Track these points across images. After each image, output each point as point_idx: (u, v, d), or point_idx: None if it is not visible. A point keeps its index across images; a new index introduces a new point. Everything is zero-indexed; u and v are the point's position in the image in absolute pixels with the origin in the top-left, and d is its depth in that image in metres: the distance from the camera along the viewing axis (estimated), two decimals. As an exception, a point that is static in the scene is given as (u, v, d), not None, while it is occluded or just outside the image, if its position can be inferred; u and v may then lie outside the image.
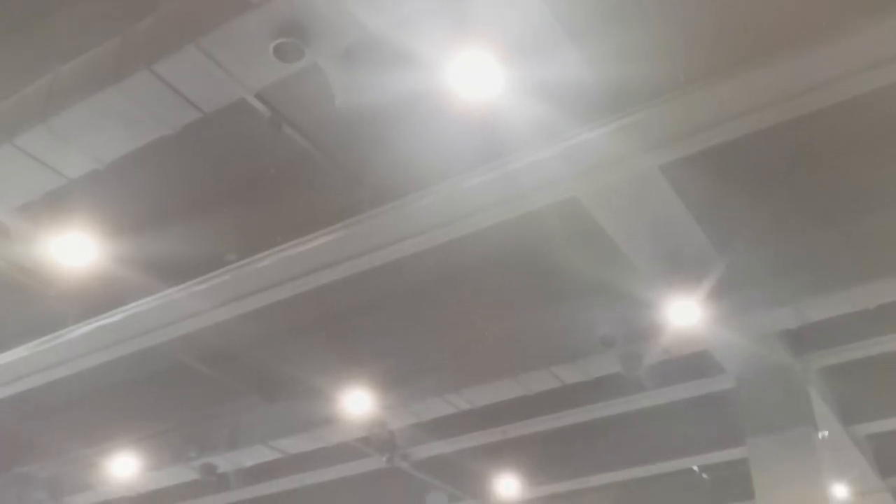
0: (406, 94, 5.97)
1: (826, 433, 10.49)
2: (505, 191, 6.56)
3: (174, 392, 10.68)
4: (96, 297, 8.02)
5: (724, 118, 5.88)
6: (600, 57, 5.81)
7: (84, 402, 10.79)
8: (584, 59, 5.77)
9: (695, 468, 13.25)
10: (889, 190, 7.64)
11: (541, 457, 13.01)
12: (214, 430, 10.86)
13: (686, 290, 7.94)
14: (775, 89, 5.65)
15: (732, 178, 7.57)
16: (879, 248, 7.89)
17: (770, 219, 8.03)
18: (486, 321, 9.43)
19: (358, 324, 9.75)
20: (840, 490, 11.64)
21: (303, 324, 9.69)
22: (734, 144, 6.41)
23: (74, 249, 7.04)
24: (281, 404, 10.45)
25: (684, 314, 8.09)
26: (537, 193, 6.61)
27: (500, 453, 12.74)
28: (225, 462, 11.07)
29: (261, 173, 7.54)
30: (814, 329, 9.08)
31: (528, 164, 6.26)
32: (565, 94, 5.88)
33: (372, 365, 9.88)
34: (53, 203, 6.83)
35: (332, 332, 9.85)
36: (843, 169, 7.59)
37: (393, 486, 13.89)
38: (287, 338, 9.81)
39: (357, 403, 9.78)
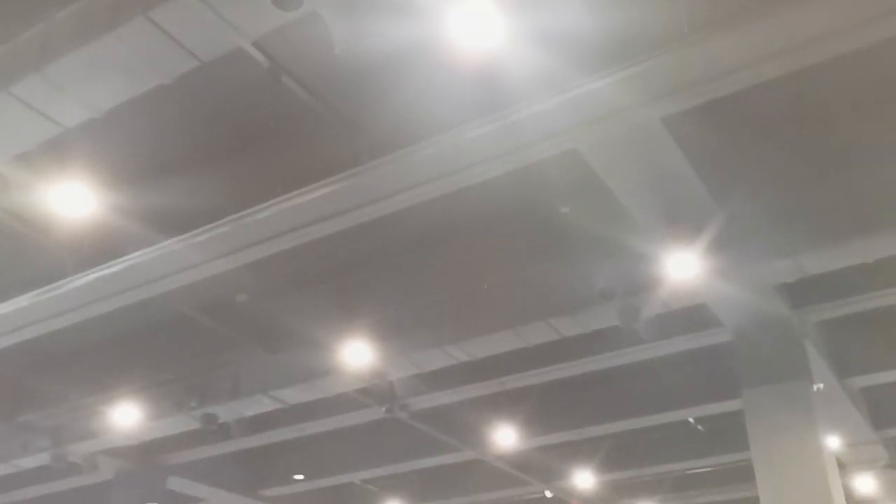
0: (406, 44, 5.90)
1: (821, 386, 10.59)
2: (506, 142, 6.52)
3: (175, 343, 10.75)
4: (95, 248, 8.02)
5: (726, 70, 5.82)
6: (603, 6, 5.73)
7: (86, 352, 10.87)
8: (587, 9, 5.69)
9: (690, 420, 13.43)
10: (889, 144, 7.60)
11: (538, 408, 13.15)
12: (215, 381, 10.96)
13: (685, 243, 7.95)
14: (777, 41, 5.58)
15: (733, 131, 7.53)
16: (879, 202, 7.88)
17: (770, 172, 8.00)
18: (485, 274, 9.45)
19: (358, 275, 9.78)
20: (833, 441, 11.79)
21: (303, 275, 9.72)
22: (735, 97, 6.36)
23: (73, 199, 7.02)
24: (281, 355, 10.52)
25: (683, 267, 8.11)
26: (538, 145, 6.57)
27: (498, 405, 12.88)
28: (226, 412, 11.19)
29: (260, 124, 7.48)
30: (811, 283, 9.11)
31: (529, 115, 6.21)
32: (567, 44, 5.81)
33: (371, 316, 9.93)
34: (51, 152, 6.79)
35: (331, 283, 9.88)
36: (843, 122, 7.55)
37: (392, 437, 14.08)
38: (287, 289, 9.85)
39: (356, 354, 9.85)
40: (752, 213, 8.12)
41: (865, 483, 14.03)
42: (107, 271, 8.08)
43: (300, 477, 15.31)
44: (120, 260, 8.01)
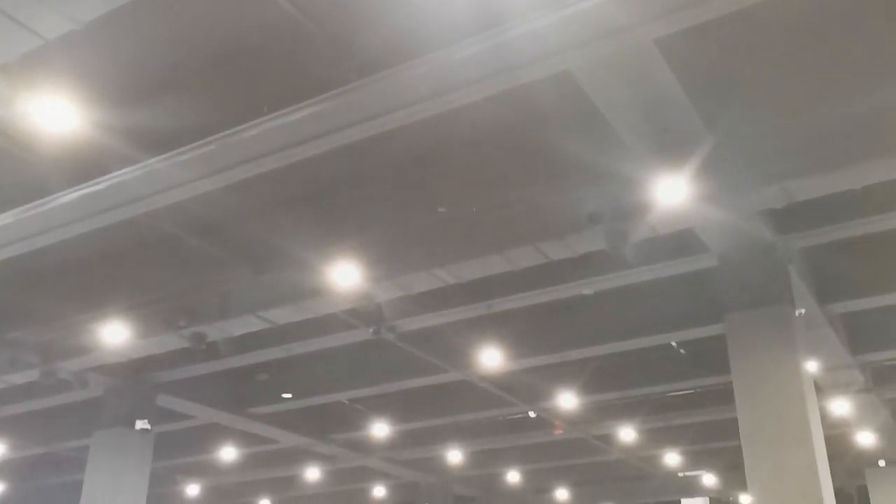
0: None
1: (803, 311, 10.77)
2: (497, 62, 6.41)
3: (163, 262, 10.74)
4: (80, 165, 7.92)
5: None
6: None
7: (73, 270, 10.86)
8: (583, -77, 5.53)
9: (673, 344, 13.65)
10: (881, 71, 7.53)
11: (524, 331, 13.33)
12: (204, 300, 11.00)
13: (674, 167, 7.93)
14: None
15: (725, 54, 7.43)
16: (869, 129, 7.85)
17: (761, 97, 7.93)
18: (473, 196, 9.42)
19: (346, 197, 9.72)
20: (812, 365, 12.04)
21: (290, 196, 9.66)
22: (729, 18, 6.27)
23: (56, 114, 6.90)
24: (269, 276, 10.54)
25: (672, 192, 8.11)
26: (530, 66, 6.47)
27: (484, 327, 13.03)
28: (214, 331, 11.27)
29: (247, 40, 7.31)
30: (798, 209, 9.14)
31: (521, 33, 6.09)
32: (561, -40, 5.67)
33: (359, 238, 9.92)
34: (32, 65, 6.64)
35: (319, 204, 9.84)
36: (837, 48, 7.46)
37: (379, 358, 14.27)
38: (274, 210, 9.80)
39: (344, 276, 9.88)
40: (742, 139, 8.09)
41: (840, 406, 14.41)
42: (91, 189, 8.01)
43: (288, 396, 15.55)
44: (104, 178, 7.93)
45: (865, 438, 16.56)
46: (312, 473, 20.91)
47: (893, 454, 18.30)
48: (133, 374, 13.82)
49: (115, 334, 11.18)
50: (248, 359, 13.64)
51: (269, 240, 10.04)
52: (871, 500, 18.94)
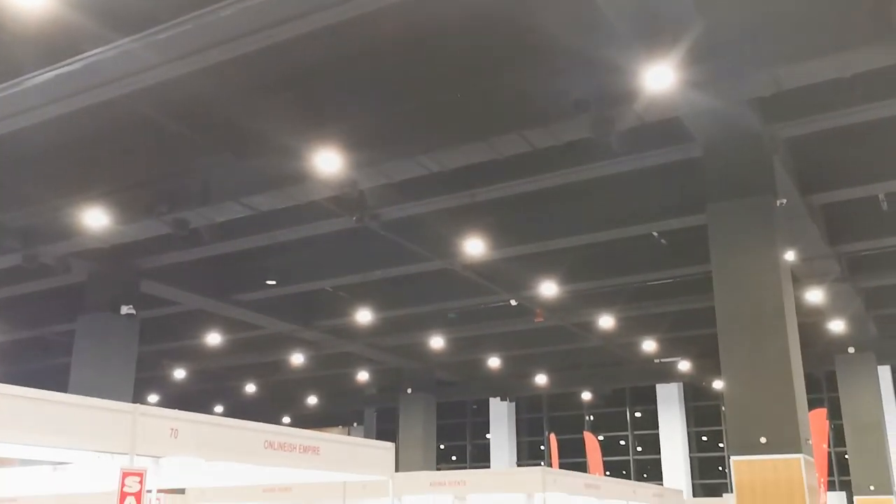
0: None
1: (784, 201, 10.84)
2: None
3: (143, 147, 10.57)
4: (52, 44, 7.67)
5: None
6: None
7: (52, 153, 10.67)
8: None
9: (654, 234, 13.78)
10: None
11: (507, 220, 13.39)
12: (185, 186, 10.91)
13: (663, 53, 7.79)
14: None
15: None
16: (858, 16, 7.71)
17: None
18: (458, 82, 9.26)
19: (328, 81, 9.52)
20: (790, 255, 12.23)
21: (271, 80, 9.43)
22: None
23: (24, -11, 6.62)
24: (251, 161, 10.43)
25: (659, 78, 8.00)
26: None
27: (468, 216, 13.07)
28: (197, 217, 11.23)
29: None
30: (785, 98, 9.07)
31: None
32: None
33: (341, 124, 9.78)
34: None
35: (301, 89, 9.63)
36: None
37: (363, 246, 14.34)
38: (255, 94, 9.59)
39: (327, 162, 9.79)
40: (732, 24, 7.92)
41: (815, 295, 14.75)
42: (65, 69, 7.78)
43: (272, 283, 15.68)
44: (77, 58, 7.69)
45: (837, 326, 17.04)
46: (297, 359, 21.36)
47: (862, 342, 18.89)
48: (116, 259, 13.83)
49: (95, 219, 11.12)
50: (232, 246, 13.67)
51: (251, 125, 9.87)
52: (839, 386, 19.67)
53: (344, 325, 18.58)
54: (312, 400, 27.28)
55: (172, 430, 4.55)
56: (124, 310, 13.92)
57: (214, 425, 4.91)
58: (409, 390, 23.89)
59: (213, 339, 19.15)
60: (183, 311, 17.44)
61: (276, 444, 5.19)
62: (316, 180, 10.26)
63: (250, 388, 25.64)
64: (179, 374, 23.14)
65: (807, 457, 11.04)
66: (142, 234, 12.07)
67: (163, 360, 21.97)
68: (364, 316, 17.44)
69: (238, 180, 10.73)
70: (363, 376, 24.50)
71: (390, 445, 6.43)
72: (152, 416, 4.52)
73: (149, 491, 6.96)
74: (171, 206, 10.77)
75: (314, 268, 15.37)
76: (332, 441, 5.85)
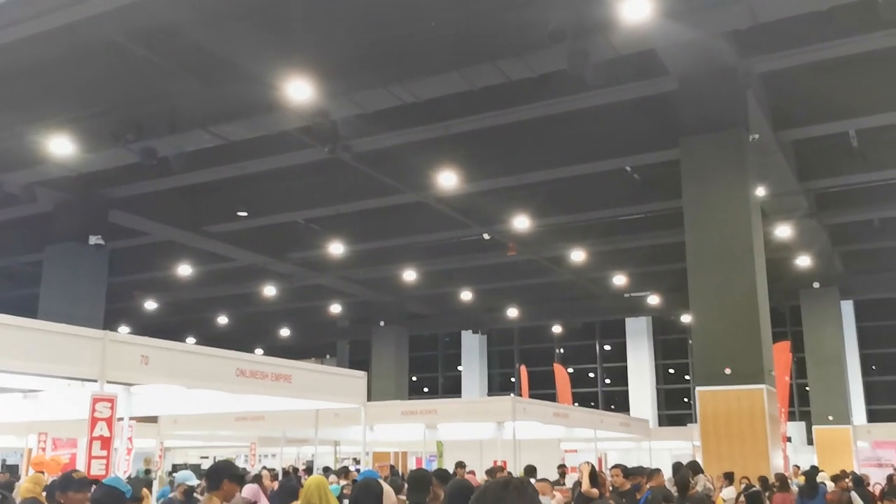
0: None
1: (756, 136, 10.88)
2: None
3: (108, 72, 10.26)
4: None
5: None
6: None
7: (14, 78, 10.34)
8: None
9: (627, 168, 13.78)
10: None
11: (481, 153, 13.29)
12: (152, 113, 10.66)
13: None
14: None
15: None
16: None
17: None
18: (431, 10, 9.06)
19: (299, 7, 9.27)
20: (760, 191, 12.34)
21: (238, 5, 9.16)
22: None
23: None
24: (220, 89, 10.21)
25: (635, 9, 7.90)
26: None
27: (441, 148, 12.95)
28: (165, 146, 11.03)
29: None
30: (761, 31, 9.00)
31: None
32: None
33: (312, 51, 9.57)
34: None
35: (270, 15, 9.37)
36: None
37: (335, 178, 14.21)
38: (224, 19, 9.31)
39: (298, 91, 9.61)
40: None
41: (783, 231, 14.93)
42: (24, -11, 7.50)
43: (244, 214, 15.55)
44: (39, -23, 7.41)
45: (803, 262, 17.32)
46: (269, 291, 21.34)
47: (827, 277, 19.26)
48: (84, 189, 13.61)
49: (61, 147, 10.89)
50: (202, 176, 13.48)
51: (219, 51, 9.63)
52: (803, 320, 20.11)
53: (316, 257, 18.54)
54: (285, 332, 27.39)
55: (143, 357, 4.54)
56: (93, 240, 13.77)
57: (185, 352, 4.91)
58: (382, 323, 24.04)
59: (185, 270, 19.04)
60: (153, 242, 17.28)
61: (248, 371, 5.21)
62: (287, 110, 10.09)
63: (223, 320, 25.65)
64: (151, 305, 23.05)
65: (769, 387, 11.33)
66: (109, 163, 11.86)
67: (134, 292, 21.86)
68: (336, 249, 17.40)
69: (206, 108, 10.52)
70: (336, 309, 24.59)
71: (362, 374, 6.49)
72: (122, 342, 4.51)
73: (121, 419, 6.99)
74: (139, 134, 10.55)
75: (286, 200, 15.24)
76: (304, 369, 5.88)
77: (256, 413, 9.48)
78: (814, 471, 11.44)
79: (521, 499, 1.65)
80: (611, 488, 8.19)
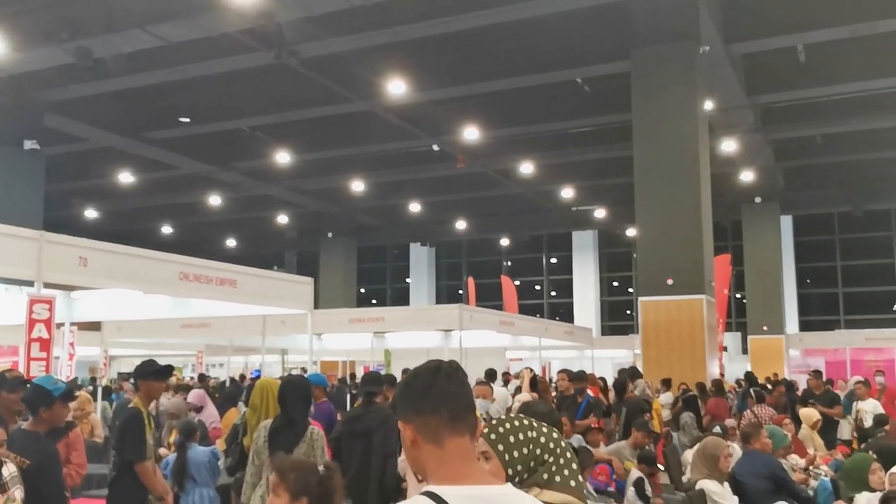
0: None
1: (707, 48, 10.86)
2: None
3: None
4: None
5: None
6: None
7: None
8: None
9: (578, 80, 13.68)
10: None
11: (431, 61, 13.02)
12: (87, 11, 10.15)
13: None
14: None
15: None
16: None
17: None
18: None
19: None
20: (708, 104, 12.40)
21: None
22: None
23: None
24: (158, -14, 9.75)
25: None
26: None
27: (390, 55, 12.64)
28: (101, 46, 10.57)
29: None
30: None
31: None
32: None
33: (257, -52, 9.17)
34: None
35: None
36: None
37: (282, 84, 13.81)
38: None
39: (242, -11, 9.24)
40: None
41: (729, 145, 15.10)
42: None
43: (186, 120, 15.11)
44: None
45: (747, 177, 17.61)
46: (214, 201, 20.98)
47: (769, 192, 19.67)
48: (16, 91, 13.00)
49: (-10, 45, 10.34)
50: (142, 80, 13.00)
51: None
52: (744, 234, 20.60)
53: (263, 167, 18.21)
54: (231, 243, 27.11)
55: (81, 258, 4.42)
56: (28, 144, 13.27)
57: (126, 255, 4.79)
58: (330, 234, 23.94)
59: (126, 178, 18.57)
60: (92, 149, 16.74)
61: (191, 275, 5.14)
62: (229, 10, 9.71)
63: (167, 230, 25.23)
64: (91, 214, 22.53)
65: (709, 298, 11.66)
66: (43, 64, 11.34)
67: (73, 200, 21.30)
68: (283, 158, 17.10)
69: (144, 6, 10.07)
70: (283, 220, 24.36)
71: (309, 280, 6.46)
72: (60, 243, 4.38)
73: (61, 324, 6.90)
74: (73, 33, 10.07)
75: (230, 106, 14.82)
76: (249, 274, 5.82)
77: (202, 320, 9.42)
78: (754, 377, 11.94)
79: (451, 384, 1.64)
80: (554, 393, 8.42)
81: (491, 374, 9.57)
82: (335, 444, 5.45)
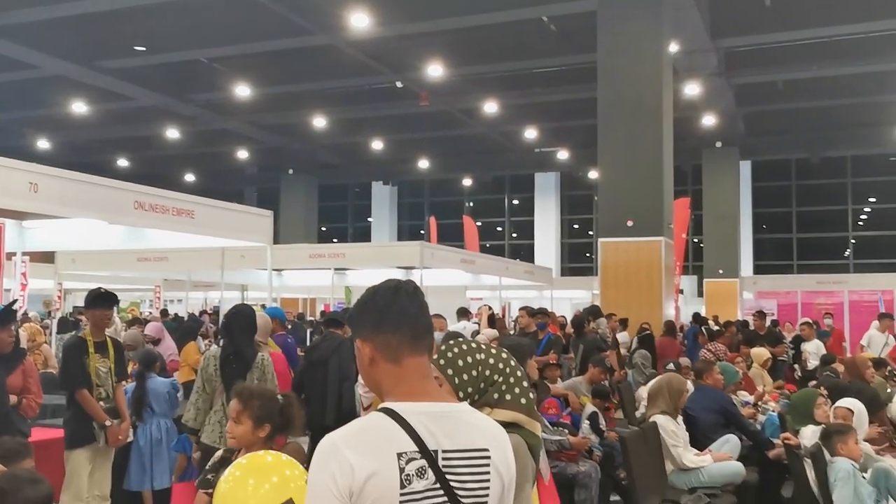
0: None
1: (673, -11, 10.77)
2: None
3: None
4: None
5: None
6: None
7: None
8: None
9: (544, 18, 13.50)
10: None
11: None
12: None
13: None
14: None
15: None
16: None
17: None
18: None
19: None
20: (673, 47, 12.36)
21: None
22: None
23: None
24: None
25: None
26: None
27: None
28: (52, -32, 10.12)
29: None
30: None
31: None
32: None
33: None
34: None
35: None
36: None
37: (242, 14, 13.42)
38: None
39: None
40: None
41: (692, 89, 15.12)
42: None
43: (142, 49, 14.65)
44: None
45: (708, 121, 17.70)
46: (172, 134, 20.53)
47: (730, 137, 19.81)
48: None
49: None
50: (95, 5, 12.52)
51: None
52: (703, 178, 20.80)
53: (222, 100, 17.82)
54: (190, 178, 26.63)
55: (31, 184, 4.29)
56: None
57: (79, 182, 4.67)
58: (291, 171, 23.65)
59: (79, 108, 18.04)
60: (43, 77, 16.15)
61: (146, 204, 5.03)
62: (187, -68, 9.34)
63: (123, 163, 24.69)
64: (44, 145, 21.93)
65: (668, 240, 11.80)
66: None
67: (24, 130, 20.69)
68: (243, 91, 16.74)
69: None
70: (243, 155, 23.97)
71: (269, 213, 6.38)
72: (8, 167, 4.24)
73: (12, 254, 6.73)
74: (21, -47, 9.62)
75: (188, 36, 14.37)
76: (207, 205, 5.72)
77: (159, 252, 9.28)
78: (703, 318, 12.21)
79: (412, 303, 1.63)
80: (513, 330, 8.51)
81: (464, 312, 9.68)
82: (297, 377, 5.49)
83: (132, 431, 4.81)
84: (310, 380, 5.20)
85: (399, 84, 16.52)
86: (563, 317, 10.58)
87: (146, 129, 20.49)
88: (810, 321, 11.41)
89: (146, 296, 18.01)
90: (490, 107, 17.79)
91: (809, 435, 4.66)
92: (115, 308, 4.86)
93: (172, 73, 16.46)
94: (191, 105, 18.12)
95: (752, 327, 11.69)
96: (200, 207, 5.56)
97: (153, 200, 5.10)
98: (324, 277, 12.44)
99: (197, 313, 13.47)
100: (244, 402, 2.78)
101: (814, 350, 9.79)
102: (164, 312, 13.01)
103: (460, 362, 2.00)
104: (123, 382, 4.67)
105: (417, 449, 1.50)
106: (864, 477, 4.07)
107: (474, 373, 2.00)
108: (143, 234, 6.03)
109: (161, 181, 26.38)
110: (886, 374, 7.10)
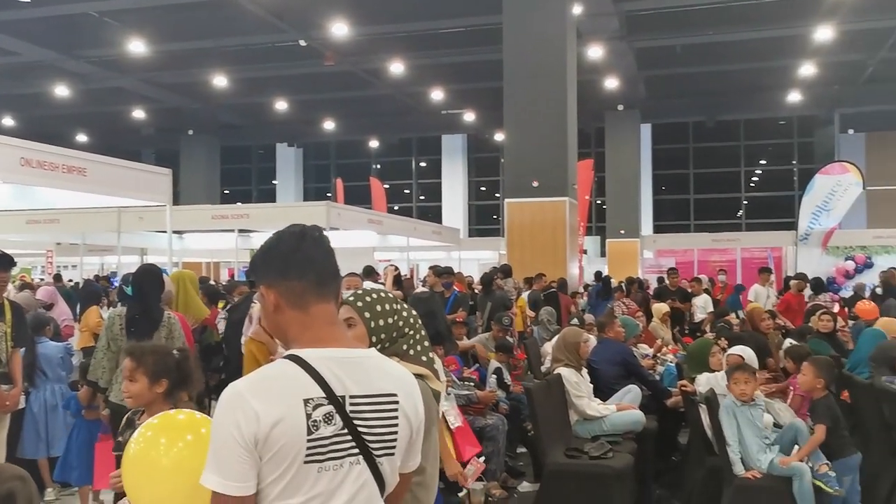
0: None
1: (578, -50, 10.84)
2: None
3: None
4: None
5: None
6: None
7: None
8: None
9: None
10: None
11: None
12: None
13: None
14: None
15: None
16: None
17: None
18: None
19: None
20: (577, 9, 12.47)
21: None
22: None
23: None
24: None
25: None
26: None
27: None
28: None
29: None
30: None
31: None
32: None
33: None
34: None
35: None
36: None
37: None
38: None
39: None
40: None
41: (595, 52, 15.33)
42: None
43: (26, 0, 13.81)
44: None
45: (611, 84, 18.01)
46: (61, 91, 19.49)
47: (631, 100, 20.25)
48: None
49: None
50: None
51: None
52: (606, 141, 21.23)
53: (115, 56, 17.02)
54: (82, 138, 25.42)
55: None
56: None
57: (-42, 136, 4.37)
58: (191, 132, 22.89)
59: (-42, 64, 16.93)
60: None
61: (34, 161, 4.77)
62: None
63: (8, 122, 23.35)
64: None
65: (572, 200, 12.03)
66: None
67: None
68: (137, 47, 16.02)
69: None
70: (139, 115, 23.02)
71: (168, 170, 6.15)
72: None
73: None
74: None
75: (77, -13, 13.64)
76: (100, 162, 5.47)
77: (50, 214, 8.84)
78: (607, 276, 12.54)
79: (317, 248, 1.60)
80: (420, 289, 8.54)
81: (369, 272, 9.57)
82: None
83: (25, 398, 4.61)
84: (231, 339, 5.16)
85: (303, 43, 16.14)
86: (471, 276, 10.68)
87: (33, 86, 19.39)
88: (698, 277, 12.05)
89: (38, 261, 17.17)
90: (396, 67, 17.61)
91: (704, 381, 4.86)
92: (10, 271, 4.62)
93: (60, 27, 15.57)
94: (81, 62, 17.26)
95: (651, 286, 12.12)
96: (93, 165, 5.31)
97: (41, 157, 4.84)
98: (227, 240, 12.17)
99: (93, 279, 12.94)
100: (137, 360, 2.70)
101: (701, 304, 10.31)
102: (58, 277, 12.44)
103: (378, 308, 2.05)
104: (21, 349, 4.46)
105: (324, 395, 1.48)
106: (750, 417, 4.24)
107: (390, 321, 2.06)
108: (31, 193, 5.74)
109: (51, 141, 25.13)
110: (776, 325, 7.48)
